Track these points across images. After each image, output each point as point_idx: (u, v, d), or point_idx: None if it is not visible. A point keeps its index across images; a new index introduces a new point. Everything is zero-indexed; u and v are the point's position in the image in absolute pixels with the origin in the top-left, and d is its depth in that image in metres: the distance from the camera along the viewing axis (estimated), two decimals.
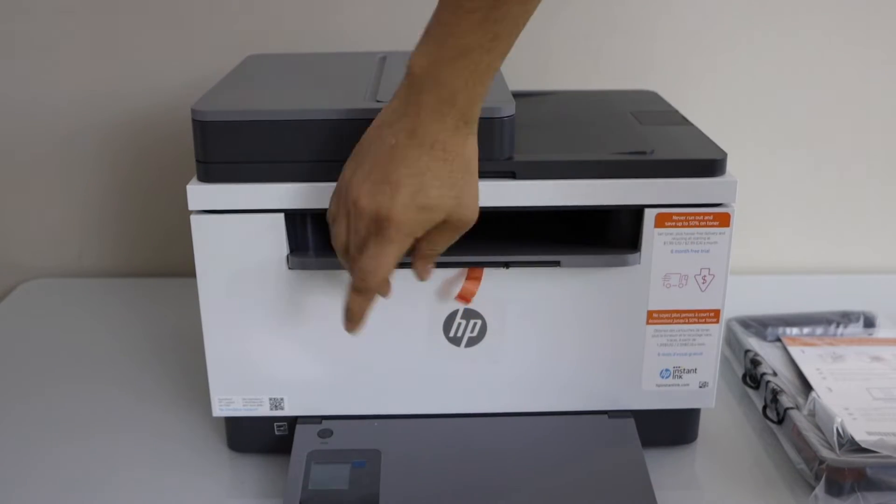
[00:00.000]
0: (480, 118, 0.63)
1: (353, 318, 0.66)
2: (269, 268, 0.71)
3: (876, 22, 1.08)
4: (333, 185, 0.68)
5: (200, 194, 0.69)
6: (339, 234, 0.64)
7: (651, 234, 0.71)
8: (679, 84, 1.08)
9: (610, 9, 1.07)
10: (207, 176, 0.69)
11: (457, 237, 0.65)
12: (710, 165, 0.70)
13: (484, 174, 0.68)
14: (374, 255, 0.62)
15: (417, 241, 0.64)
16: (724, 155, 0.71)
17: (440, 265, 0.71)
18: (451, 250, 0.70)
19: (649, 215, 0.70)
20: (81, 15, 1.07)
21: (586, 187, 0.69)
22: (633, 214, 0.71)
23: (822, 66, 1.09)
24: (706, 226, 0.71)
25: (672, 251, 0.71)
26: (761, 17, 1.07)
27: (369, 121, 0.65)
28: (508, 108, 0.68)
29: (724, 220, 0.71)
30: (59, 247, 1.18)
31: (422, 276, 0.67)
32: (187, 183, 0.69)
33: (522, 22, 0.57)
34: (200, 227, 0.70)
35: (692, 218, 0.71)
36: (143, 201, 1.16)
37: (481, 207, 0.67)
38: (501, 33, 0.56)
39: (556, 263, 0.70)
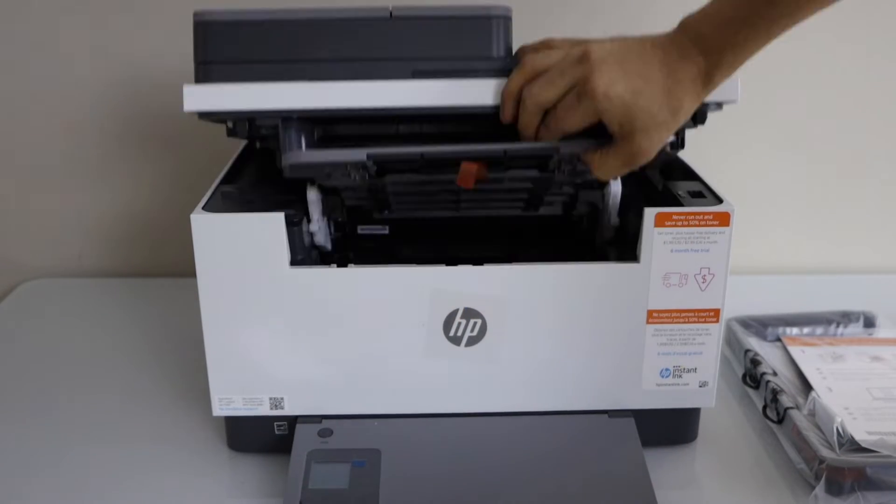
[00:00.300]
0: (476, 17, 0.65)
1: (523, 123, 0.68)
2: (269, 267, 0.71)
3: (876, 22, 1.08)
4: (333, 84, 0.67)
5: (197, 95, 0.68)
6: (543, 59, 0.67)
7: (651, 234, 0.71)
8: None
9: (610, 9, 1.07)
10: (207, 76, 0.68)
11: (621, 162, 0.66)
12: None
13: (482, 72, 0.68)
14: (568, 109, 0.65)
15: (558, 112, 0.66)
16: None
17: (441, 264, 0.71)
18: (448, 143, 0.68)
19: (649, 214, 0.70)
20: (81, 15, 1.07)
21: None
22: (634, 213, 0.71)
23: (823, 66, 1.09)
24: (706, 225, 0.71)
25: (672, 250, 0.71)
26: None
27: (372, 20, 0.65)
28: (504, 9, 0.68)
29: (723, 220, 0.71)
30: (59, 247, 1.18)
31: (532, 135, 0.69)
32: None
33: (787, 13, 0.62)
34: (200, 227, 0.70)
35: (692, 217, 0.70)
36: (144, 201, 1.16)
37: (478, 106, 0.67)
38: (765, 14, 0.62)
39: (556, 150, 0.68)
